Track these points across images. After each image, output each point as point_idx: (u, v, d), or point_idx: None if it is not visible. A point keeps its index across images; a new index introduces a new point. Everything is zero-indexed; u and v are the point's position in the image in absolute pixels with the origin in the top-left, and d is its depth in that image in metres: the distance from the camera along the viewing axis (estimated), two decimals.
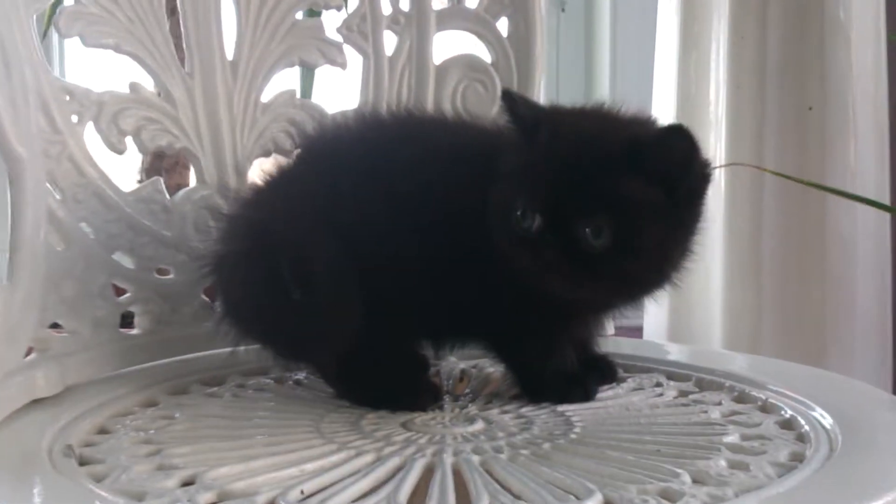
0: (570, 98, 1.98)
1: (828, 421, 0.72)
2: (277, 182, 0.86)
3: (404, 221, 0.78)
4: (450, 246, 0.77)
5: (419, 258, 0.77)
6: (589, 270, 0.72)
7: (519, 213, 0.73)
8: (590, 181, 0.72)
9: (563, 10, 1.98)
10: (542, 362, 0.82)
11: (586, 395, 0.82)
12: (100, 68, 1.15)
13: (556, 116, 0.78)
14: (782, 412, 0.77)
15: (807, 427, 0.72)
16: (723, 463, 0.64)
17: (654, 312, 1.54)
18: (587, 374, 0.85)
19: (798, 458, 0.65)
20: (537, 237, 0.73)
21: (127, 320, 0.90)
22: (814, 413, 0.75)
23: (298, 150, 0.91)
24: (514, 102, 0.78)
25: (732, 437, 0.70)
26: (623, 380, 0.89)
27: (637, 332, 1.58)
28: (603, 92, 1.95)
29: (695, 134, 0.71)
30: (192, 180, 0.99)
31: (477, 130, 0.88)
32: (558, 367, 0.82)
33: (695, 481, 0.61)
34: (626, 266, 0.73)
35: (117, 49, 0.91)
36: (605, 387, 0.86)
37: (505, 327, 0.81)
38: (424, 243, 0.77)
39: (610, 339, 1.04)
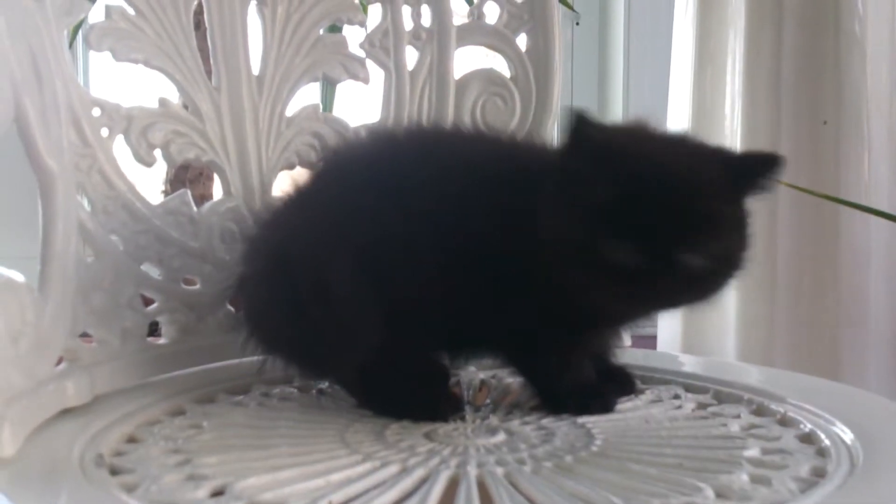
0: None
1: (848, 436, 0.72)
2: (295, 202, 0.87)
3: (423, 237, 0.79)
4: (469, 260, 0.78)
5: (438, 273, 0.78)
6: (685, 291, 0.74)
7: (611, 245, 0.70)
8: (692, 206, 0.70)
9: (577, 23, 1.99)
10: (561, 374, 0.83)
11: (606, 407, 0.83)
12: (125, 86, 1.17)
13: (633, 141, 0.74)
14: (801, 426, 0.77)
15: (827, 441, 0.72)
16: (745, 477, 0.64)
17: (668, 323, 1.55)
18: (606, 386, 0.85)
19: (820, 474, 0.66)
20: (640, 268, 0.70)
21: (153, 329, 0.92)
22: (834, 428, 0.75)
23: (316, 169, 0.92)
24: (588, 126, 0.73)
25: (753, 451, 0.71)
26: (641, 391, 0.90)
27: (651, 341, 1.59)
28: (616, 105, 1.95)
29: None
30: (216, 191, 1.01)
31: (496, 144, 0.89)
32: (578, 379, 0.83)
33: (718, 496, 0.61)
34: (718, 282, 0.75)
35: (147, 64, 0.93)
36: (624, 398, 0.87)
37: (524, 340, 0.82)
38: (443, 258, 0.78)
39: (626, 351, 1.05)
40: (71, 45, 1.30)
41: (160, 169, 1.46)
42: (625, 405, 0.85)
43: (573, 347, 0.83)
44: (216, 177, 1.00)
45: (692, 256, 0.70)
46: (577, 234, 0.72)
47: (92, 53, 0.94)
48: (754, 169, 0.73)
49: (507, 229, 0.76)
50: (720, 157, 0.75)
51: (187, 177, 1.51)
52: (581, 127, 0.73)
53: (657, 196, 0.69)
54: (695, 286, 0.74)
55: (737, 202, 0.74)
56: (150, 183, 1.49)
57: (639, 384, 0.91)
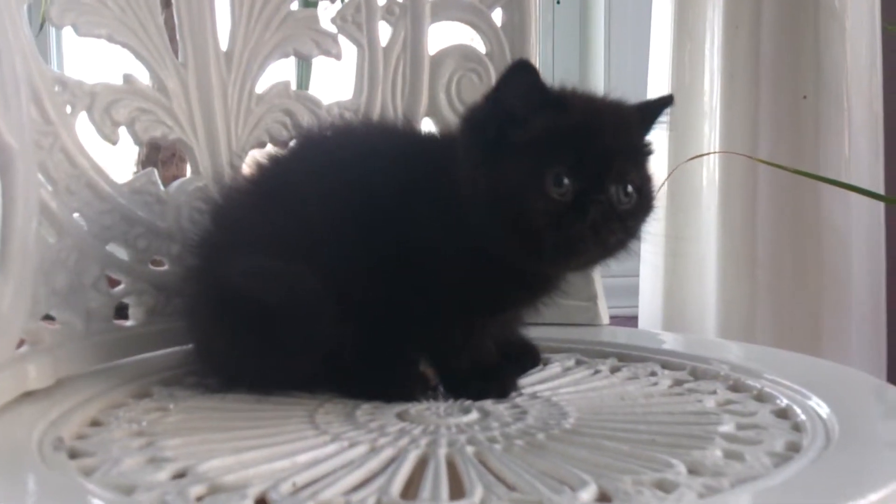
0: None
1: (824, 410, 0.71)
2: (226, 219, 0.86)
3: (349, 227, 0.78)
4: (370, 241, 0.77)
5: (366, 260, 0.77)
6: (621, 226, 0.75)
7: (554, 180, 0.73)
8: (623, 141, 0.76)
9: (558, 2, 1.97)
10: (458, 357, 0.82)
11: (503, 391, 0.81)
12: (98, 60, 1.15)
13: (564, 91, 0.80)
14: (778, 401, 0.76)
15: (803, 416, 0.71)
16: (718, 453, 0.64)
17: (649, 301, 1.54)
18: (506, 365, 0.84)
19: (794, 448, 0.65)
20: (581, 200, 0.73)
21: (121, 311, 0.90)
22: (810, 402, 0.74)
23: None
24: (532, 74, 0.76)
25: (727, 427, 0.70)
26: (545, 363, 0.91)
27: (632, 321, 1.58)
28: (598, 83, 1.94)
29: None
30: (188, 173, 0.99)
31: (406, 136, 0.90)
32: (477, 361, 0.82)
33: (690, 472, 0.60)
34: (642, 217, 0.77)
35: (110, 39, 0.91)
36: (601, 376, 0.87)
37: (424, 320, 0.80)
38: (352, 243, 0.78)
39: (606, 329, 1.05)
40: (43, 23, 1.27)
41: (132, 151, 1.45)
42: (601, 382, 0.85)
43: (474, 328, 0.82)
44: None
45: (622, 186, 0.75)
46: (512, 174, 0.74)
47: (66, 32, 0.90)
48: (655, 110, 0.80)
49: (413, 207, 0.77)
50: (628, 103, 0.81)
51: (159, 158, 1.49)
52: (524, 69, 0.75)
53: (594, 130, 0.75)
54: (625, 223, 0.75)
55: (643, 140, 0.80)
56: (122, 165, 1.47)
57: (544, 356, 0.91)
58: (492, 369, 0.82)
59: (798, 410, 0.73)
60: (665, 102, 0.81)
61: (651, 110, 0.80)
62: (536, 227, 0.73)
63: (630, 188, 0.75)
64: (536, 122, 0.75)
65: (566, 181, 0.73)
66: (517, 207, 0.73)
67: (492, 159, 0.75)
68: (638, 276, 1.57)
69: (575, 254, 0.75)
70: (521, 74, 0.75)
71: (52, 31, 1.75)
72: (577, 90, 0.80)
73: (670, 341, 1.03)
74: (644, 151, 0.79)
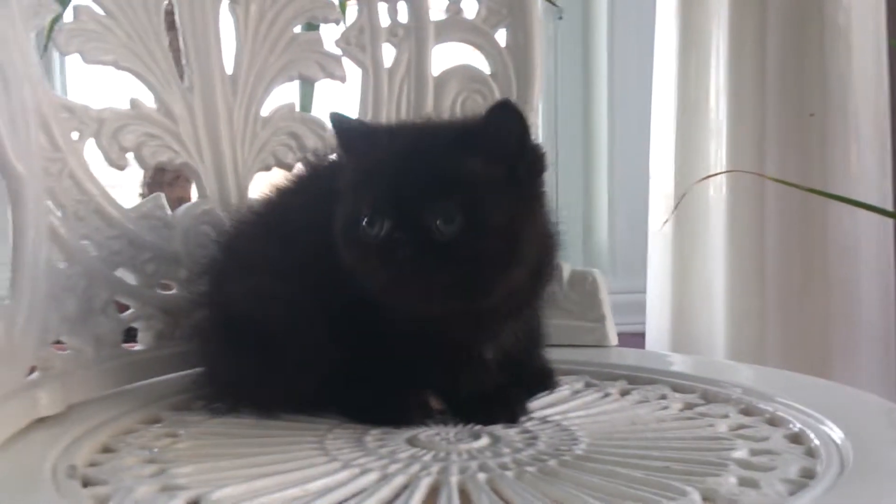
0: (568, 106, 1.98)
1: (838, 435, 0.71)
2: (232, 246, 0.87)
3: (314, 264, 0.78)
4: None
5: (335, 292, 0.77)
6: (445, 260, 0.71)
7: (364, 222, 0.72)
8: (431, 170, 0.72)
9: (560, 18, 1.97)
10: (455, 384, 0.81)
11: (513, 416, 0.80)
12: (103, 83, 1.15)
13: (386, 127, 0.80)
14: (790, 425, 0.76)
15: (816, 441, 0.71)
16: (732, 480, 0.63)
17: (657, 319, 1.53)
18: (515, 389, 0.83)
19: (809, 475, 0.64)
20: (388, 240, 0.71)
21: (129, 335, 0.90)
22: (823, 427, 0.73)
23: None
24: (342, 121, 0.79)
25: (741, 453, 0.69)
26: (558, 386, 0.89)
27: (639, 338, 1.57)
28: (601, 100, 1.94)
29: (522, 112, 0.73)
30: (194, 194, 0.99)
31: None
32: (475, 388, 0.81)
33: (705, 499, 0.60)
34: (480, 246, 0.71)
35: (116, 65, 0.91)
36: (611, 399, 0.86)
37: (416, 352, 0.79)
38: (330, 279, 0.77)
39: (614, 350, 1.04)
40: (46, 46, 1.27)
41: (138, 172, 1.45)
42: (611, 405, 0.84)
43: (463, 357, 0.81)
44: None
45: (435, 215, 0.70)
46: (338, 219, 0.75)
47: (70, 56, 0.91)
48: (486, 126, 0.73)
49: None
50: (458, 122, 0.79)
51: (164, 179, 1.49)
52: (336, 124, 0.79)
53: (392, 167, 0.73)
54: (463, 253, 0.71)
55: (490, 166, 0.73)
56: (127, 186, 1.47)
57: (558, 380, 0.89)
58: (501, 394, 0.81)
59: (811, 435, 0.72)
60: (495, 112, 0.73)
61: (481, 127, 0.73)
62: (362, 271, 0.73)
63: (449, 218, 0.70)
64: (350, 164, 0.77)
65: (375, 222, 0.71)
66: (346, 254, 0.74)
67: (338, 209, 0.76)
68: (644, 292, 1.57)
69: (410, 294, 0.73)
70: (335, 125, 0.79)
71: (57, 52, 1.75)
72: (401, 123, 0.82)
73: (680, 363, 1.02)
74: (475, 174, 0.72)
